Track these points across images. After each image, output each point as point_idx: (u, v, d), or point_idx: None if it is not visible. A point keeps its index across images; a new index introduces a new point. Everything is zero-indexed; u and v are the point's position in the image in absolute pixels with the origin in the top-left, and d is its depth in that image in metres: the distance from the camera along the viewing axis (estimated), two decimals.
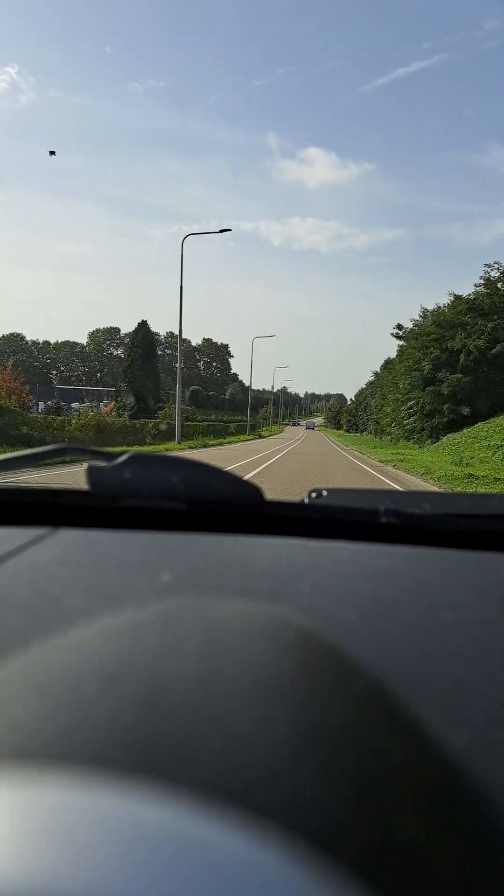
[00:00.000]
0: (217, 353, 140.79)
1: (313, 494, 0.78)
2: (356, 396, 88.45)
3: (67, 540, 0.64)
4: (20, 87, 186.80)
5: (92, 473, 0.68)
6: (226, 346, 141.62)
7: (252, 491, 0.69)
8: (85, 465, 0.68)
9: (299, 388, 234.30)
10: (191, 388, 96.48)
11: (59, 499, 0.74)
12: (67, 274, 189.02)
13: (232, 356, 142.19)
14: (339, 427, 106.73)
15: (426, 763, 0.29)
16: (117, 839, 0.17)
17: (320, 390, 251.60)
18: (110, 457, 0.69)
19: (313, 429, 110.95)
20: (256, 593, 0.50)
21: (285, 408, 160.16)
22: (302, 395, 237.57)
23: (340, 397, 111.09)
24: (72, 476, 8.67)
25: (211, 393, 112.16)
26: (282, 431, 79.86)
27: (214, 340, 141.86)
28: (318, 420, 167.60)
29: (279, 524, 0.71)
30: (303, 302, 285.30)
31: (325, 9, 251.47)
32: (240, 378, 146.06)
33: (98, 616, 0.41)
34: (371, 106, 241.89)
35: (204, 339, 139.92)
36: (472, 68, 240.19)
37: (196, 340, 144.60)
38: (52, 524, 0.69)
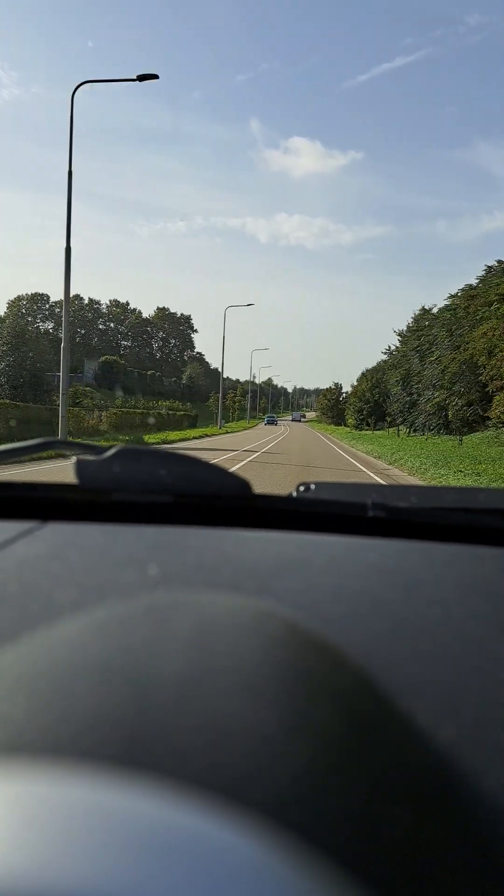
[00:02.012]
0: (176, 326, 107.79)
1: (301, 488, 0.78)
2: (369, 373, 54.95)
3: (56, 534, 0.64)
4: (2, 82, 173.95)
5: (80, 467, 0.67)
6: (187, 319, 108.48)
7: (240, 484, 0.69)
8: (73, 460, 0.68)
9: (287, 384, 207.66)
10: (100, 360, 62.59)
11: (47, 493, 0.74)
12: (56, 271, 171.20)
13: (195, 331, 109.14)
14: (339, 421, 73.87)
15: (414, 756, 0.29)
16: (106, 832, 0.17)
17: (310, 385, 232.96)
18: (98, 451, 0.69)
19: (300, 421, 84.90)
20: (244, 587, 0.50)
21: (265, 398, 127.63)
22: (290, 390, 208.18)
23: (337, 388, 76.46)
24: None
25: (149, 372, 78.44)
26: (247, 429, 46.57)
27: (172, 310, 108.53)
28: (311, 415, 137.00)
29: (267, 518, 0.71)
30: (290, 298, 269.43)
31: (307, 3, 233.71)
32: (206, 359, 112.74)
33: (87, 610, 0.41)
34: (355, 101, 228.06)
35: (158, 308, 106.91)
36: (457, 63, 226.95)
37: (149, 311, 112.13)
38: (40, 518, 0.69)
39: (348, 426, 57.92)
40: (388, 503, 0.68)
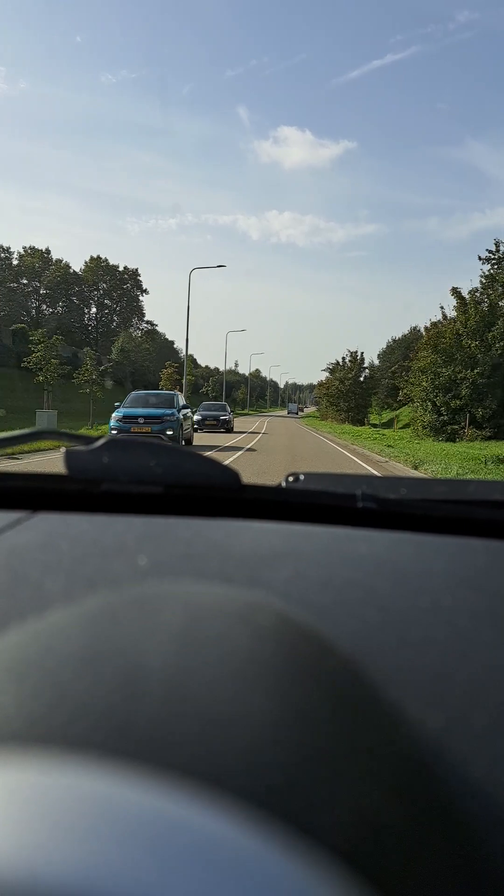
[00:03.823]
0: (117, 284, 76.52)
1: (290, 479, 0.77)
2: (472, 302, 22.80)
3: (45, 524, 0.64)
4: None
5: (70, 457, 0.68)
6: (134, 274, 76.95)
7: (229, 475, 0.69)
8: (63, 450, 0.69)
9: (278, 378, 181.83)
10: None
11: (36, 483, 0.74)
12: None
13: (146, 292, 77.54)
14: (360, 417, 42.21)
15: (403, 745, 0.29)
16: (96, 821, 0.17)
17: (302, 381, 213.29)
18: (88, 441, 0.70)
19: (297, 415, 74.83)
20: (234, 577, 0.50)
21: (243, 387, 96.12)
22: (282, 385, 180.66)
23: (355, 360, 42.99)
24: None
25: (40, 334, 46.01)
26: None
27: (112, 262, 76.75)
28: (311, 409, 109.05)
29: (256, 508, 0.71)
30: (284, 296, 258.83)
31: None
32: (158, 328, 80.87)
33: (76, 600, 0.41)
34: (346, 98, 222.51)
35: (91, 257, 75.42)
36: (448, 61, 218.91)
37: (78, 265, 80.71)
38: (29, 508, 0.69)
39: (405, 425, 26.39)
40: (377, 494, 0.68)
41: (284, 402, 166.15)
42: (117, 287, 74.23)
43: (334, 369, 46.01)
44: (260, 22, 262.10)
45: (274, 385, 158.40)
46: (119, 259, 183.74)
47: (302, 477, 0.77)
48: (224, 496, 0.70)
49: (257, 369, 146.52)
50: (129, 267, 75.53)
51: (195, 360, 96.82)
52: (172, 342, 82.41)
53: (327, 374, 47.34)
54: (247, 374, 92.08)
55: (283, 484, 0.75)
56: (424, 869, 0.21)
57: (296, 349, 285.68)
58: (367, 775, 0.25)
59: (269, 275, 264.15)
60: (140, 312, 75.97)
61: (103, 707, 0.25)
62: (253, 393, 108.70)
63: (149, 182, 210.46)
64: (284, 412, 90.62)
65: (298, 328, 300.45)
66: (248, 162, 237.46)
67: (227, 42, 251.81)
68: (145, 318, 76.23)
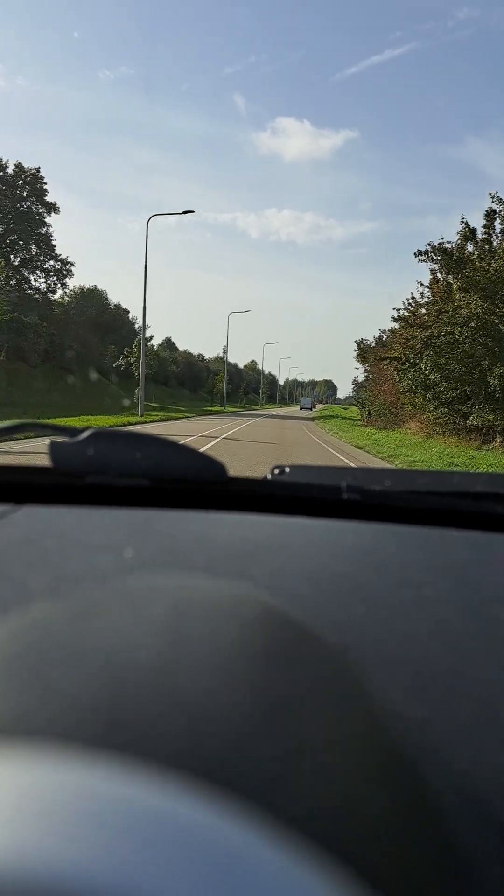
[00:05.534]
0: (5, 193, 46.36)
1: (276, 471, 0.77)
2: None
3: (30, 517, 0.63)
4: None
5: (54, 450, 0.67)
6: (34, 178, 46.58)
7: (215, 467, 0.68)
8: (47, 441, 0.68)
9: (277, 369, 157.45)
10: None
11: (20, 476, 0.73)
12: None
13: (55, 209, 46.63)
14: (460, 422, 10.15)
15: (387, 735, 0.29)
16: (84, 815, 0.17)
17: (303, 378, 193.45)
18: (73, 433, 0.69)
19: (311, 409, 68.19)
20: (220, 569, 0.50)
21: (218, 372, 65.78)
22: (282, 383, 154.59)
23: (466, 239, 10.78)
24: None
25: None
26: None
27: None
28: (319, 408, 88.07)
29: (242, 500, 0.70)
30: (282, 293, 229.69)
31: None
32: (70, 264, 49.14)
33: (62, 593, 0.41)
34: (345, 91, 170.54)
35: None
36: (446, 57, 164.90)
37: None
38: (14, 501, 0.68)
39: None
40: (362, 486, 0.68)
41: (285, 398, 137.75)
42: (5, 199, 43.69)
43: (447, 263, 14.70)
44: (258, 19, 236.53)
45: (272, 379, 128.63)
46: (124, 256, 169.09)
47: (287, 469, 0.77)
48: (211, 489, 0.69)
49: (253, 360, 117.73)
50: (24, 166, 44.69)
51: (172, 342, 66.92)
52: (127, 311, 52.34)
53: (420, 287, 16.23)
54: (226, 352, 61.61)
55: (269, 476, 0.75)
56: (409, 860, 0.22)
57: (293, 350, 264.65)
58: (353, 767, 0.25)
59: (269, 273, 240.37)
60: (46, 243, 45.38)
61: (90, 702, 0.25)
62: (238, 385, 78.13)
63: (148, 179, 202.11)
64: (282, 410, 62.69)
65: (297, 329, 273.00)
66: (247, 155, 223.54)
67: (225, 39, 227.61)
68: (56, 254, 45.51)
